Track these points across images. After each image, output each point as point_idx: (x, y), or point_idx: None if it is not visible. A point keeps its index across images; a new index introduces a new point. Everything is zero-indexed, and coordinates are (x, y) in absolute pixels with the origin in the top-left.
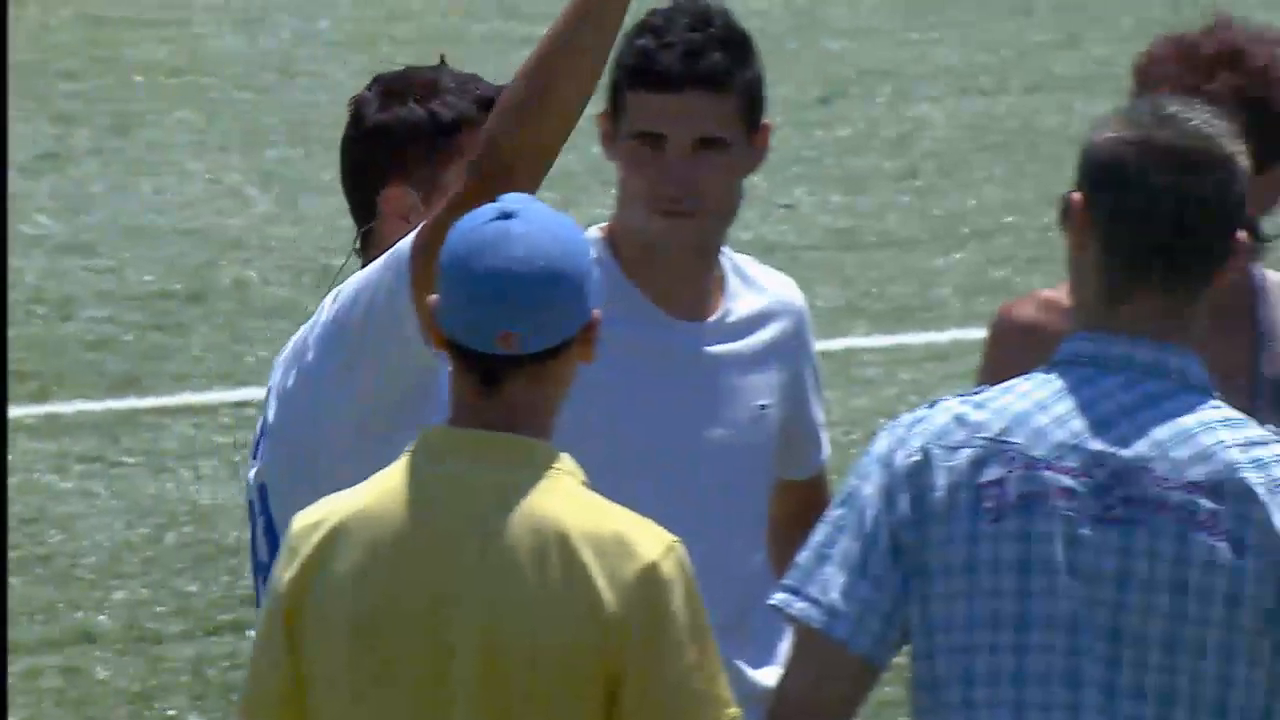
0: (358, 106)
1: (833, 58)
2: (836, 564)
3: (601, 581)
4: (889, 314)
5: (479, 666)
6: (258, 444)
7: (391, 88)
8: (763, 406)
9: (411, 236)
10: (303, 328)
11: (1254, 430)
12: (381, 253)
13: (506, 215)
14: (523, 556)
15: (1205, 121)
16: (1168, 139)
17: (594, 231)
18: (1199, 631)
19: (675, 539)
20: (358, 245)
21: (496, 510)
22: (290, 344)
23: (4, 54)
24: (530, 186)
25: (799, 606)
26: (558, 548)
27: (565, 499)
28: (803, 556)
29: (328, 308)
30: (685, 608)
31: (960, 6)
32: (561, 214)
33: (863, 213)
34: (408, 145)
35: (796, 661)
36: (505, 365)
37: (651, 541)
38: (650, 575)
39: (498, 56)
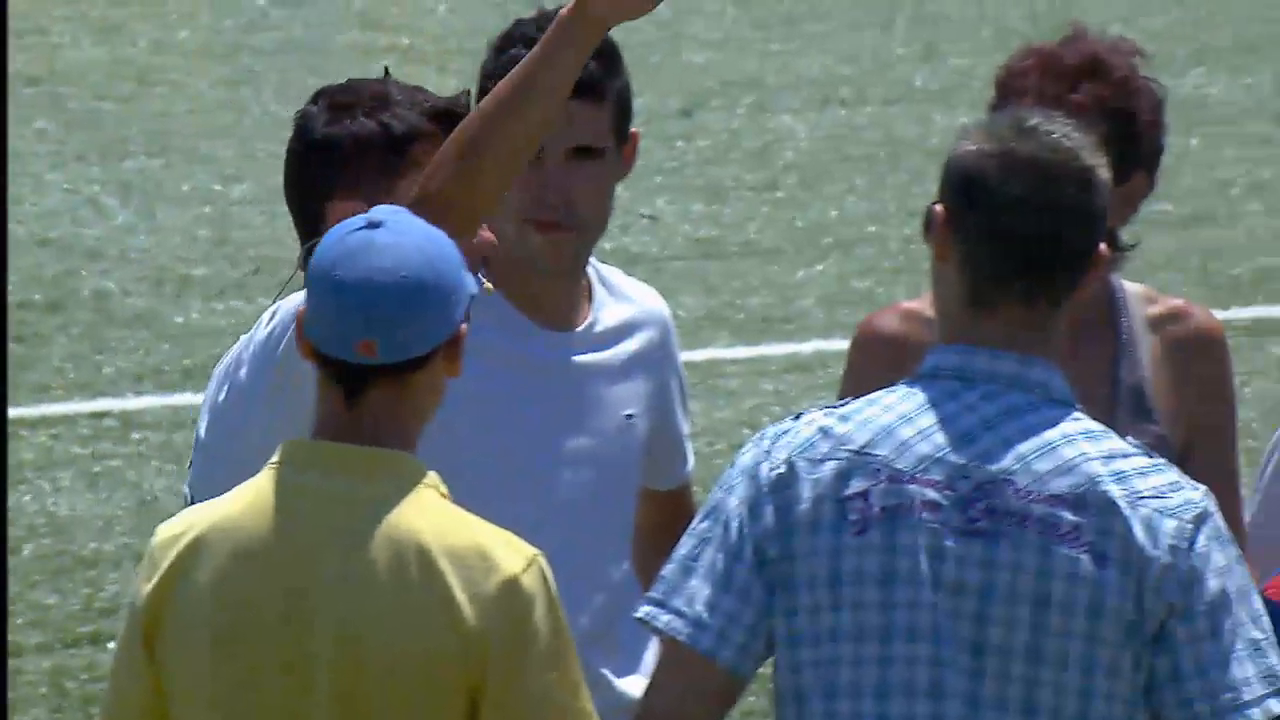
0: (304, 119)
1: (694, 69)
2: (702, 576)
3: (462, 595)
4: (751, 325)
5: (338, 678)
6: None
7: (339, 100)
8: (629, 416)
9: None
10: (239, 341)
11: (1116, 443)
12: None
13: (374, 225)
14: (382, 569)
15: (1066, 134)
16: (1029, 151)
17: None
18: (1061, 644)
19: (536, 552)
20: (302, 260)
21: (357, 523)
22: (226, 357)
23: (4, 55)
24: (462, 234)
25: (664, 619)
26: (418, 561)
27: (426, 512)
28: (668, 569)
29: (264, 324)
30: (547, 621)
31: (820, 19)
32: (431, 227)
33: (725, 223)
34: (359, 158)
35: (662, 673)
36: (368, 375)
37: (512, 555)
38: (511, 588)
39: (359, 67)
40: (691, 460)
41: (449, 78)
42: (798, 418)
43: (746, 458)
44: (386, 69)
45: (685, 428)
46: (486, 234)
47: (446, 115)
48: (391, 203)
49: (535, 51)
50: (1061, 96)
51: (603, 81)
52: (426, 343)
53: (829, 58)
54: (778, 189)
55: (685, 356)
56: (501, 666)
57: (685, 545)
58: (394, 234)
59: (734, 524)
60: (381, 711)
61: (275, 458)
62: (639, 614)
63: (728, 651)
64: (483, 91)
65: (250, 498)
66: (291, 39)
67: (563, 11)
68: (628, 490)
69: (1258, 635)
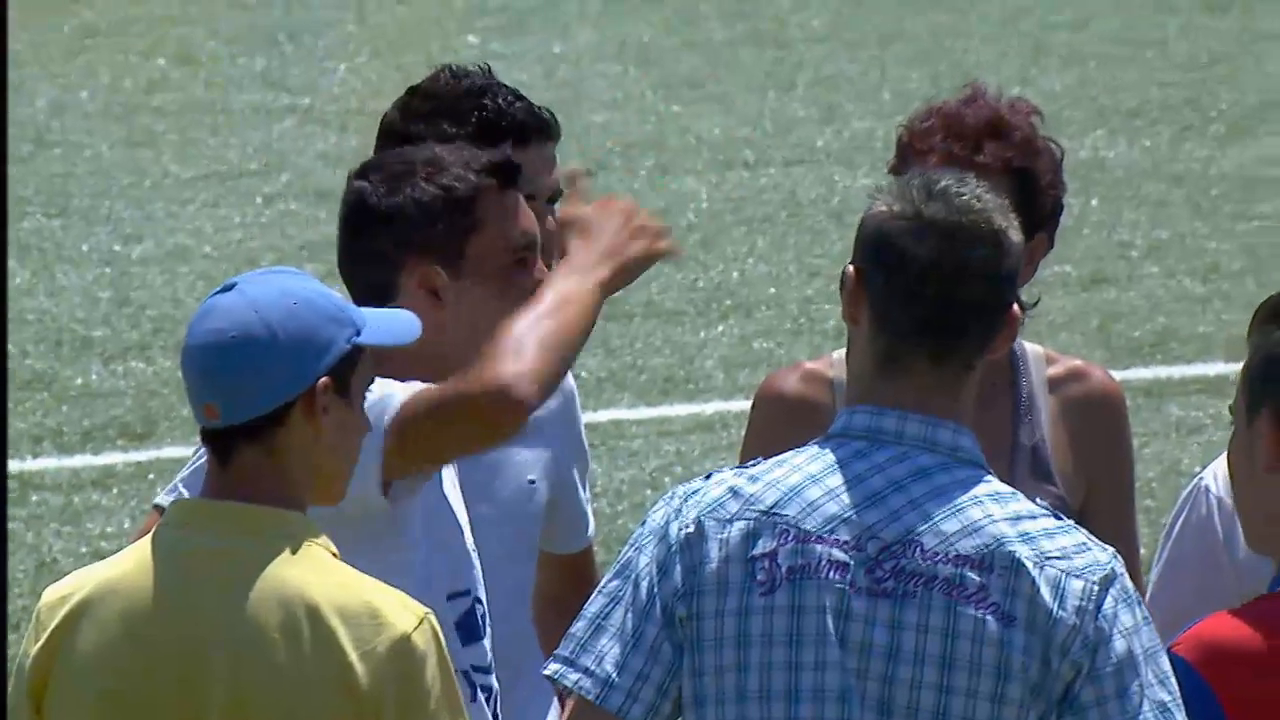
0: (359, 195)
1: (595, 130)
2: (611, 635)
3: (353, 654)
4: (653, 386)
5: None
6: None
7: (394, 170)
8: (531, 481)
9: (402, 397)
10: None
11: (1024, 504)
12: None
13: (226, 289)
14: (272, 628)
15: (977, 196)
16: (940, 213)
17: None
18: (968, 704)
19: (427, 611)
20: None
21: (244, 582)
22: None
23: (4, 57)
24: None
25: (573, 677)
26: (308, 619)
27: (314, 570)
28: (577, 627)
29: None
30: (438, 679)
31: (721, 80)
32: (298, 285)
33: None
34: (427, 224)
35: None
36: (228, 438)
37: (403, 613)
38: (403, 648)
39: (262, 128)
40: (592, 525)
41: (350, 137)
42: (708, 477)
43: (657, 516)
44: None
45: (586, 493)
46: (542, 274)
47: (500, 170)
48: (464, 265)
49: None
50: (966, 157)
51: (556, 124)
52: (265, 401)
53: (730, 119)
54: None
55: (587, 418)
56: None
57: (595, 604)
58: (240, 295)
59: (644, 583)
60: None
61: (163, 519)
62: (547, 671)
63: (637, 710)
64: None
65: (137, 558)
66: (192, 99)
67: (589, 289)
68: (527, 554)
69: (1165, 696)
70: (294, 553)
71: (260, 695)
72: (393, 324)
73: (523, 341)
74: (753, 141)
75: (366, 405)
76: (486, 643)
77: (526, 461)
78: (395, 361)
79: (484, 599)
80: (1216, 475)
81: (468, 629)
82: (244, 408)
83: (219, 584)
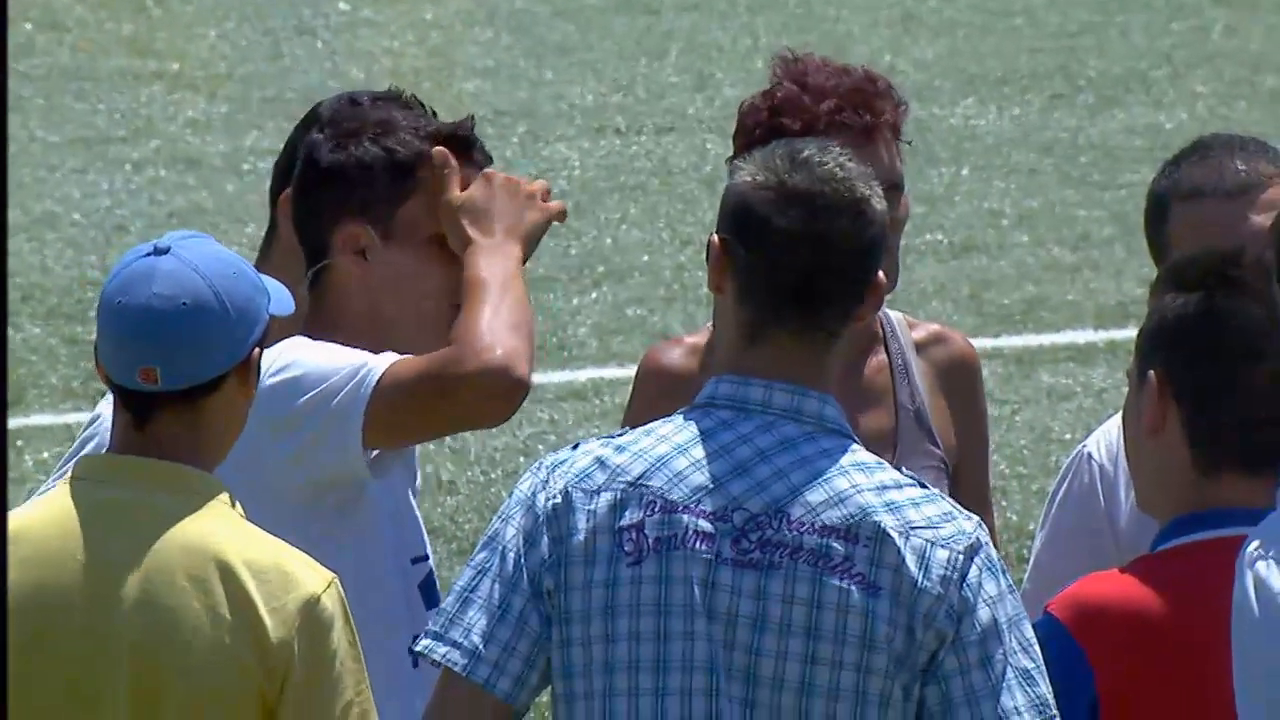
0: (310, 148)
1: (466, 97)
2: (478, 607)
3: (264, 609)
4: None
5: (136, 688)
6: None
7: (345, 127)
8: None
9: (383, 367)
10: None
11: (889, 474)
12: (334, 291)
13: (160, 251)
14: (181, 579)
15: (840, 164)
16: (800, 183)
17: None
18: (833, 675)
19: (334, 575)
20: (309, 284)
21: (155, 533)
22: None
23: (3, 56)
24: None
25: (442, 650)
26: (219, 572)
27: (226, 527)
28: (447, 601)
29: (265, 370)
30: (344, 642)
31: (593, 47)
32: (225, 252)
33: None
34: (365, 184)
35: (438, 705)
36: (154, 402)
37: (312, 575)
38: (312, 607)
39: (129, 94)
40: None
41: (218, 104)
42: (575, 447)
43: (524, 487)
44: (400, 90)
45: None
46: (556, 203)
47: (451, 140)
48: (396, 228)
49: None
50: (870, 123)
51: None
52: (210, 369)
53: (602, 86)
54: None
55: None
56: (300, 683)
57: (464, 576)
58: (177, 259)
59: (511, 554)
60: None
61: (71, 473)
62: (418, 647)
63: (504, 682)
64: (288, 166)
65: (47, 510)
66: (58, 64)
67: (514, 267)
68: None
69: (1028, 664)
70: (206, 509)
71: (167, 646)
72: (280, 294)
73: (495, 327)
74: (625, 108)
75: (347, 372)
76: None
77: None
78: (320, 321)
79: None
80: (1100, 443)
81: (427, 593)
82: (188, 374)
83: (129, 535)
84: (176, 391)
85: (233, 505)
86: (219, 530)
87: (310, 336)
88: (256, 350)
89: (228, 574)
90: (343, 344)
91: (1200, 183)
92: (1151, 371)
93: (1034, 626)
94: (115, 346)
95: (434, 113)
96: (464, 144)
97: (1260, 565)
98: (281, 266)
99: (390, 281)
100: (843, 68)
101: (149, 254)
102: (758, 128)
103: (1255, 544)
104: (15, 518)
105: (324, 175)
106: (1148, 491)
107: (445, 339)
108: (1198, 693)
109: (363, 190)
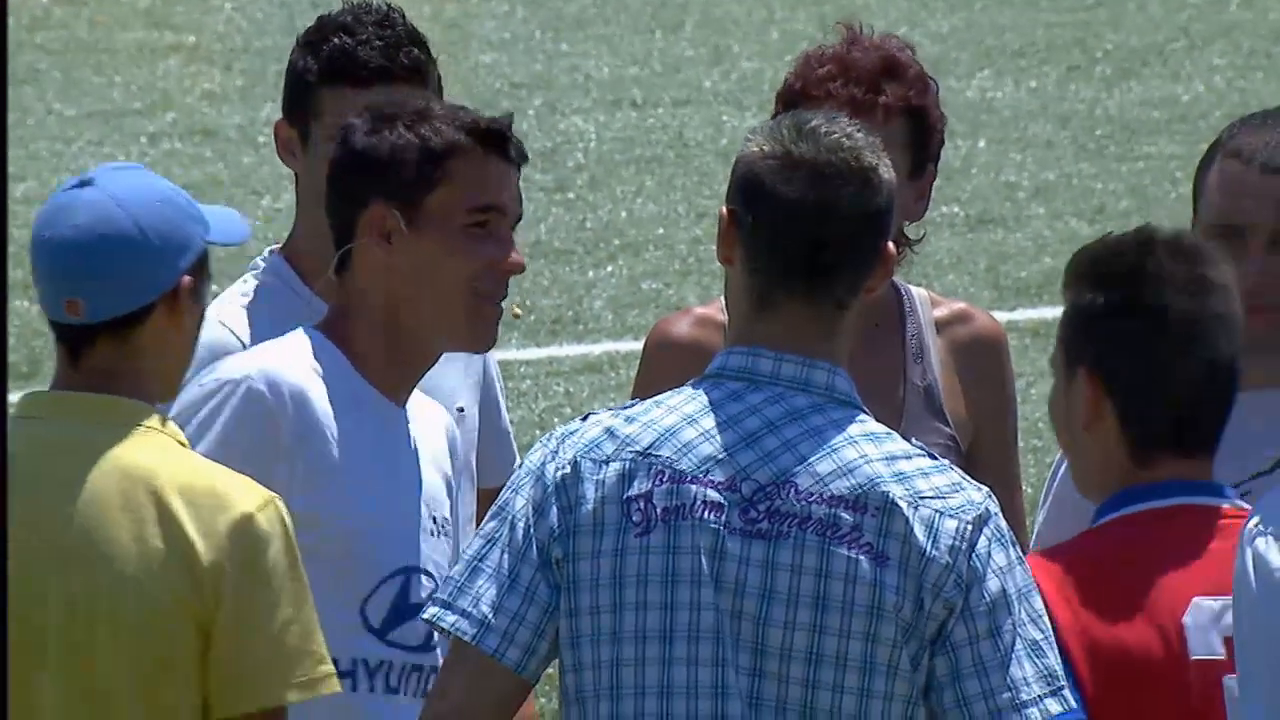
0: (345, 132)
1: (482, 70)
2: (488, 577)
3: (194, 532)
4: (542, 326)
5: (66, 617)
6: None
7: (382, 112)
8: (460, 410)
9: None
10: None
11: (898, 444)
12: (357, 275)
13: (84, 184)
14: (114, 508)
15: (848, 134)
16: (807, 153)
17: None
18: (841, 645)
19: (275, 495)
20: (335, 266)
21: (89, 465)
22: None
23: (4, 55)
24: None
25: (451, 619)
26: (150, 498)
27: (158, 453)
28: (455, 569)
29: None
30: (283, 561)
31: (609, 20)
32: (156, 182)
33: None
34: (395, 169)
35: (448, 673)
36: (85, 333)
37: (247, 494)
38: (245, 526)
39: (146, 66)
40: (518, 458)
41: (235, 77)
42: (585, 419)
43: (534, 458)
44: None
45: (508, 422)
46: (519, 257)
47: (488, 133)
48: (423, 216)
49: None
50: (869, 99)
51: (427, 63)
52: (134, 299)
53: (618, 59)
54: (568, 190)
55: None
56: (233, 604)
57: (473, 546)
58: (99, 190)
59: (520, 524)
60: (112, 649)
61: (14, 411)
62: (426, 615)
63: (513, 652)
64: (296, 88)
65: None
66: (75, 38)
67: None
68: (469, 486)
69: (1037, 635)
70: (138, 437)
71: (98, 574)
72: (227, 223)
73: None
74: (641, 81)
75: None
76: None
77: (454, 388)
78: (342, 306)
79: (431, 571)
80: None
81: (399, 609)
82: (110, 305)
83: (64, 470)
84: (106, 323)
85: (170, 431)
86: (152, 457)
87: (332, 320)
88: (187, 279)
89: (159, 499)
90: (357, 336)
91: (1246, 146)
92: (1082, 369)
93: None
94: (42, 280)
95: (403, 17)
96: (499, 139)
97: (1260, 541)
98: (303, 204)
99: (413, 269)
100: (880, 42)
101: (72, 187)
102: (786, 91)
103: (1255, 520)
104: None
105: (356, 158)
106: (1086, 479)
107: (462, 331)
108: (1170, 655)
109: (392, 175)
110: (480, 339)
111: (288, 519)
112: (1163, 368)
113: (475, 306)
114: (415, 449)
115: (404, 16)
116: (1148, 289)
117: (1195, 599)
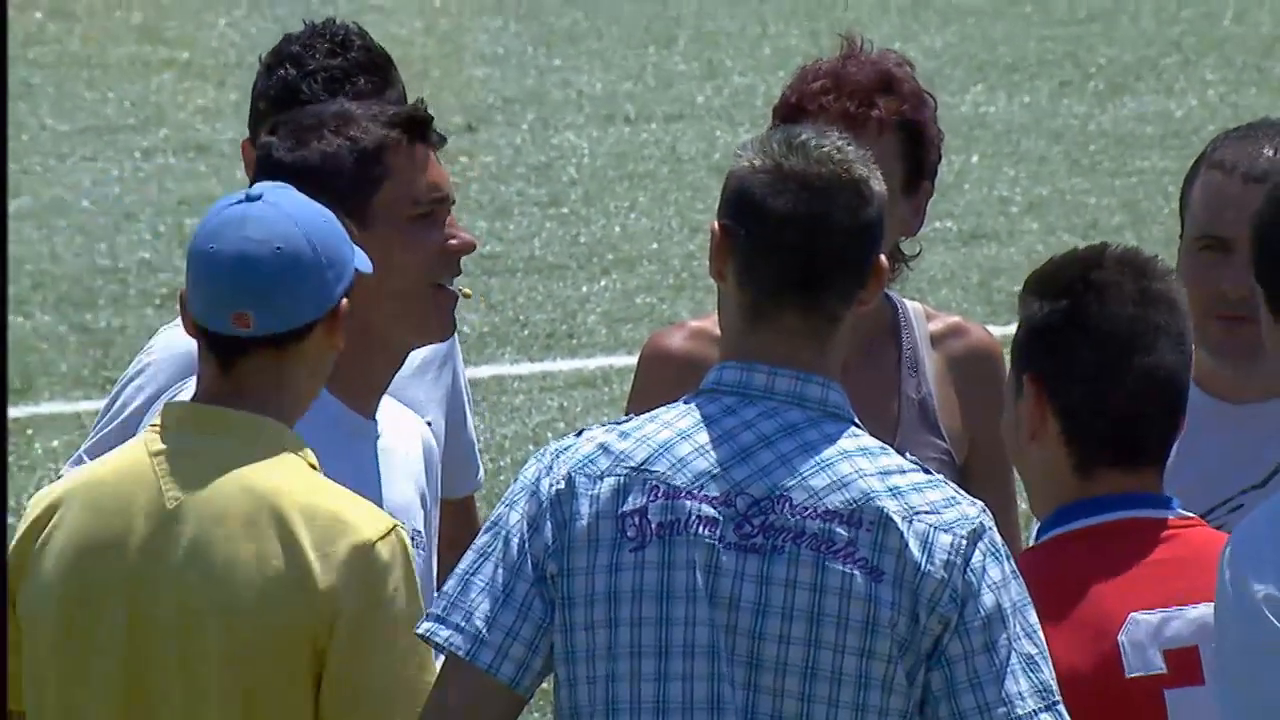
0: (265, 150)
1: (476, 85)
2: (481, 591)
3: (312, 553)
4: (535, 341)
5: (180, 632)
6: None
7: (303, 123)
8: (428, 422)
9: None
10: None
11: (892, 459)
12: None
13: (251, 199)
14: (235, 525)
15: (837, 147)
16: (797, 166)
17: None
18: (836, 659)
19: (399, 524)
20: None
21: (218, 482)
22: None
23: (4, 54)
24: None
25: (444, 634)
26: (272, 517)
27: (287, 475)
28: (449, 584)
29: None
30: (403, 592)
31: (602, 35)
32: (315, 203)
33: (508, 239)
34: (333, 176)
35: (441, 688)
36: (244, 346)
37: (371, 521)
38: (365, 554)
39: (139, 82)
40: (481, 469)
41: (228, 92)
42: (580, 434)
43: (528, 473)
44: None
45: (474, 434)
46: (465, 235)
47: (411, 122)
48: (374, 215)
49: None
50: (861, 113)
51: (375, 95)
52: (303, 315)
53: (611, 74)
54: (561, 205)
55: (470, 372)
56: (350, 632)
57: (467, 560)
58: (270, 206)
59: (514, 539)
60: (225, 664)
61: (155, 420)
62: (420, 630)
63: (507, 667)
64: (254, 108)
65: (120, 458)
66: (68, 53)
67: None
68: (433, 501)
69: (1032, 649)
70: (271, 458)
71: (215, 591)
72: (359, 250)
73: None
74: (634, 96)
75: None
76: None
77: (423, 403)
78: None
79: None
80: None
81: None
82: (280, 319)
83: (192, 481)
84: (265, 338)
85: (304, 455)
86: (279, 477)
87: None
88: (344, 301)
89: (281, 520)
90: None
91: (1229, 157)
92: (1027, 377)
93: None
94: (208, 291)
95: (361, 39)
96: (421, 126)
97: (1240, 563)
98: None
99: (374, 268)
100: (877, 57)
101: (240, 201)
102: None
103: (1236, 540)
104: (91, 468)
105: (288, 173)
106: (1033, 494)
107: (426, 323)
108: (1099, 670)
109: (333, 182)
110: (444, 328)
111: (410, 548)
112: (1104, 378)
113: (432, 295)
114: (385, 462)
115: (364, 39)
116: (1091, 299)
117: (1132, 615)
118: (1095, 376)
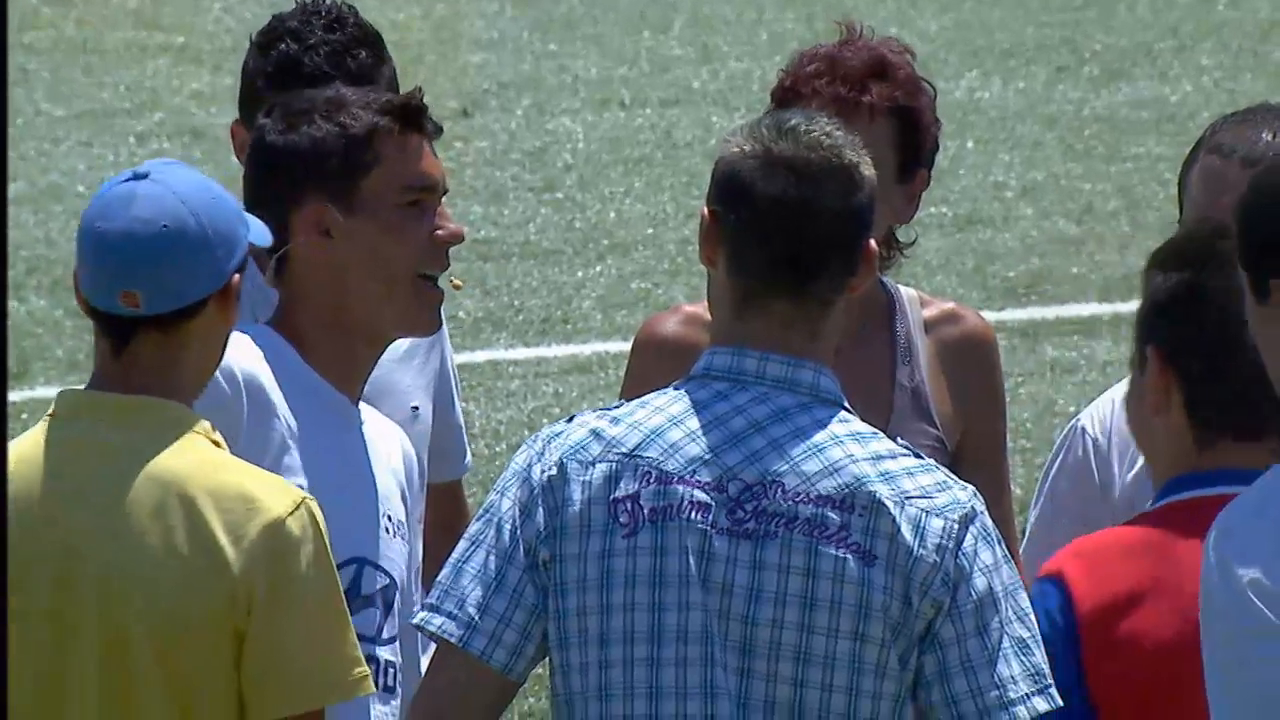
0: (259, 133)
1: (471, 70)
2: (474, 579)
3: (225, 538)
4: (530, 326)
5: (104, 627)
6: None
7: (295, 107)
8: (415, 408)
9: None
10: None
11: (884, 444)
12: (297, 281)
13: (139, 176)
14: (146, 515)
15: (826, 132)
16: (787, 151)
17: None
18: (829, 644)
19: (306, 495)
20: (273, 273)
21: (121, 471)
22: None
23: (4, 54)
24: None
25: (438, 622)
26: (181, 505)
27: (192, 458)
28: (443, 573)
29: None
30: (315, 565)
31: (597, 20)
32: (204, 178)
33: (503, 224)
34: (322, 161)
35: (434, 674)
36: (134, 326)
37: (279, 497)
38: (276, 531)
39: (135, 67)
40: (469, 453)
41: (224, 77)
42: (571, 420)
43: (520, 460)
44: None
45: (461, 418)
46: (454, 225)
47: (404, 110)
48: (361, 201)
49: None
50: (853, 98)
51: (374, 68)
52: (191, 293)
53: (606, 59)
54: (556, 190)
55: (464, 358)
56: (267, 610)
57: (460, 548)
58: (157, 184)
59: (506, 526)
60: (146, 656)
61: (51, 411)
62: (415, 619)
63: (500, 654)
64: (247, 89)
65: (20, 450)
66: (64, 38)
67: None
68: (414, 501)
69: (1024, 633)
70: (172, 441)
71: (132, 581)
72: (258, 224)
73: None
74: (629, 81)
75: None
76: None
77: (410, 388)
78: (286, 315)
79: (388, 569)
80: (1093, 417)
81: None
82: (169, 298)
83: (97, 474)
84: (156, 317)
85: (203, 430)
86: (183, 462)
87: (279, 318)
88: (236, 277)
89: (189, 506)
90: (305, 333)
91: (1228, 141)
92: (1150, 349)
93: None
94: (96, 271)
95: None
96: (414, 114)
97: (1225, 547)
98: None
99: (356, 259)
100: (874, 43)
101: (128, 179)
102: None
103: (1221, 526)
104: None
105: (279, 157)
106: (1153, 465)
107: (410, 315)
108: (1181, 637)
109: (321, 167)
110: (428, 324)
111: (320, 519)
112: (1225, 349)
113: (417, 288)
114: (369, 446)
115: (356, 15)
116: (1216, 271)
117: None
118: (1217, 348)
